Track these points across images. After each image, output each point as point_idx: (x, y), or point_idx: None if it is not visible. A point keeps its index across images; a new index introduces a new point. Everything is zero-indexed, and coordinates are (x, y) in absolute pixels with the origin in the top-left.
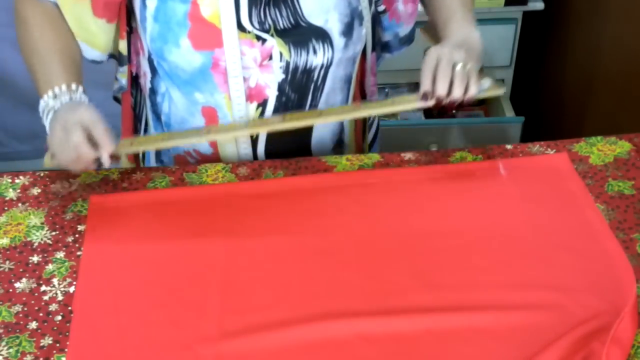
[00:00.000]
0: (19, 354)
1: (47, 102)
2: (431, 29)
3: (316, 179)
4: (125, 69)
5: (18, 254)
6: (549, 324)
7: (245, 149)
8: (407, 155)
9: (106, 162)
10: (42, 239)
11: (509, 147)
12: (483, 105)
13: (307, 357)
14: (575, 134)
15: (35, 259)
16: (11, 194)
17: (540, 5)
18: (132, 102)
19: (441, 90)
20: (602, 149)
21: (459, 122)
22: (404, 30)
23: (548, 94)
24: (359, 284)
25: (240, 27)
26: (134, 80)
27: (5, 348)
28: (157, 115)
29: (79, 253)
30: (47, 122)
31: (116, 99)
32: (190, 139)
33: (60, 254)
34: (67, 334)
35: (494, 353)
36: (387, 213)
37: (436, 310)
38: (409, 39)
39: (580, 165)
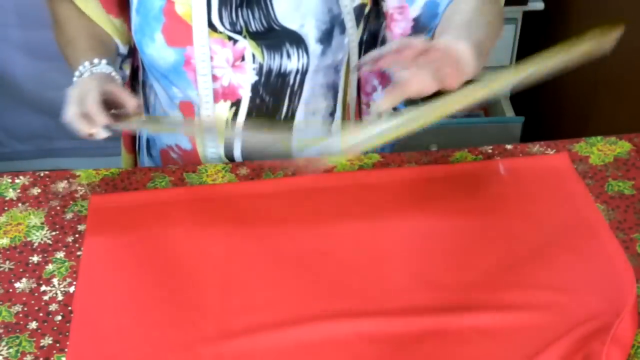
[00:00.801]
0: (19, 354)
1: (74, 82)
2: None
3: (316, 179)
4: (129, 59)
5: (18, 254)
6: (549, 324)
7: (213, 153)
8: (407, 155)
9: (99, 136)
10: (42, 239)
11: (509, 147)
12: (483, 105)
13: (307, 357)
14: (576, 134)
15: (35, 259)
16: (11, 194)
17: (540, 5)
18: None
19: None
20: (602, 149)
21: (459, 122)
22: None
23: (548, 94)
24: (359, 284)
25: (212, 26)
26: (135, 71)
27: (5, 348)
28: (147, 108)
29: (79, 253)
30: None
31: None
32: (173, 127)
33: (60, 254)
34: (67, 334)
35: (494, 353)
36: (387, 213)
37: (436, 310)
38: None
39: (580, 165)
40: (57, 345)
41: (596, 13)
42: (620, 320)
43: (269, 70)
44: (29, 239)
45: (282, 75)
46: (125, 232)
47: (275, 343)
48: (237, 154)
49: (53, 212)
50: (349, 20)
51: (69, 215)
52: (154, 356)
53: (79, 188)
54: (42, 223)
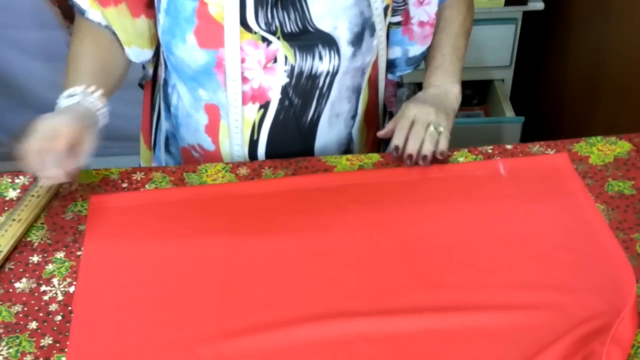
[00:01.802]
0: (19, 354)
1: (59, 102)
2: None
3: (316, 179)
4: (153, 58)
5: (18, 254)
6: (549, 324)
7: (239, 151)
8: None
9: (40, 180)
10: (42, 239)
11: (509, 147)
12: (483, 105)
13: (307, 357)
14: (575, 134)
15: (35, 259)
16: (11, 194)
17: (540, 5)
18: (152, 90)
19: (411, 148)
20: (602, 149)
21: (459, 122)
22: (415, 50)
23: (548, 94)
24: (359, 284)
25: (247, 27)
26: (155, 69)
27: (5, 348)
28: (167, 106)
29: (79, 253)
30: None
31: (140, 86)
32: None
33: (60, 254)
34: (67, 334)
35: (494, 353)
36: (387, 213)
37: (436, 310)
38: (418, 60)
39: (580, 165)
40: (57, 345)
41: (596, 13)
42: (620, 320)
43: (300, 72)
44: (29, 239)
45: (313, 77)
46: (125, 232)
47: (275, 343)
48: (261, 153)
49: (53, 212)
50: (379, 22)
51: (69, 215)
52: (154, 356)
53: (79, 188)
54: (42, 223)
